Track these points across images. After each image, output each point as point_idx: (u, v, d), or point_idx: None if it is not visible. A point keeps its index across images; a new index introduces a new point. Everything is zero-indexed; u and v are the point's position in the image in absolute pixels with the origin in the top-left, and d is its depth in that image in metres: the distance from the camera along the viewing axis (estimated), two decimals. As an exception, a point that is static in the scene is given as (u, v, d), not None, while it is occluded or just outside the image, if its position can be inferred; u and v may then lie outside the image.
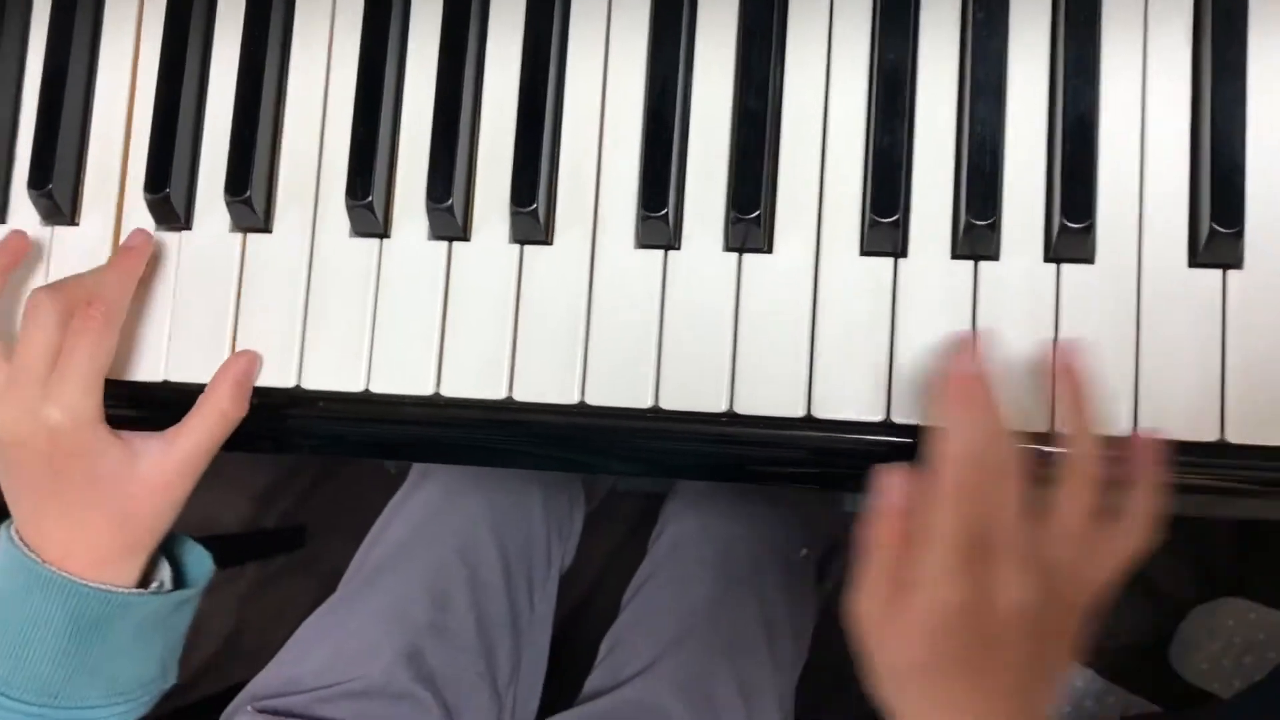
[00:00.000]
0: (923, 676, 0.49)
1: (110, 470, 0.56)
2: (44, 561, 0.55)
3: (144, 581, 0.59)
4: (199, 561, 0.62)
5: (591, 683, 0.85)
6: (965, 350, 0.53)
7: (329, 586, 1.48)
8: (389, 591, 0.82)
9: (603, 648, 0.88)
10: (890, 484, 0.51)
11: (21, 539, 0.56)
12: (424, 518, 0.85)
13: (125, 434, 0.57)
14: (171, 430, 0.57)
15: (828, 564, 0.97)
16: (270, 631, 1.45)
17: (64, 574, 0.55)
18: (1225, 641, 1.34)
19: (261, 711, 0.76)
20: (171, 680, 0.62)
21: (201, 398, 0.58)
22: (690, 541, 0.90)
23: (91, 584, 0.55)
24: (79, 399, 0.54)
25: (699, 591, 0.86)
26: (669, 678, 0.80)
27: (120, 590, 0.56)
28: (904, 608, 0.49)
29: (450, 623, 0.80)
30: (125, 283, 0.58)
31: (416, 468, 0.91)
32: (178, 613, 0.60)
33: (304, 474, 1.51)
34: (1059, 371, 0.53)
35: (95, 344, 0.55)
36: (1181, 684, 1.35)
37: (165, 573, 0.60)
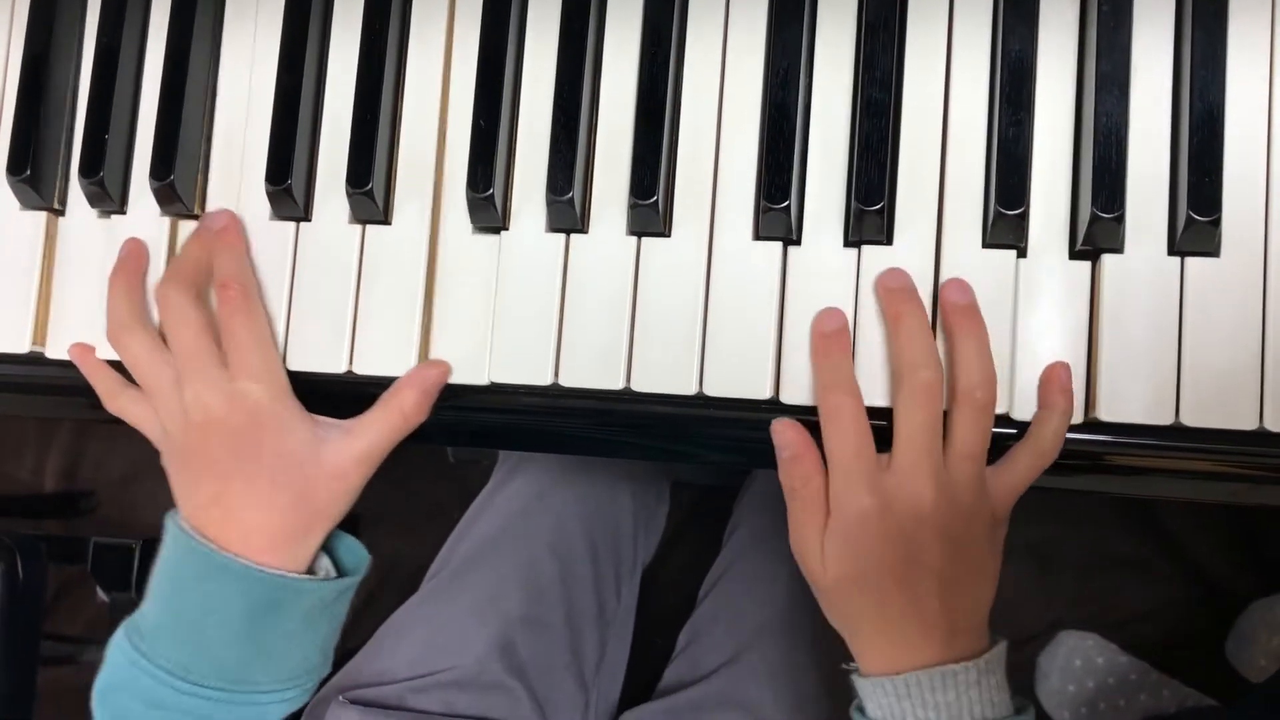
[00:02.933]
0: (859, 589, 0.55)
1: (299, 445, 0.57)
2: (220, 549, 0.56)
3: (309, 570, 0.59)
4: (351, 551, 0.63)
5: (671, 674, 0.86)
6: (830, 311, 0.56)
7: (384, 575, 1.50)
8: (481, 584, 0.82)
9: (681, 639, 0.89)
10: (787, 430, 0.55)
11: (193, 527, 0.57)
12: (514, 512, 0.86)
13: (311, 415, 0.58)
14: (352, 421, 0.58)
15: None
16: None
17: (240, 559, 0.56)
18: (1284, 636, 1.34)
19: (354, 703, 0.76)
20: (328, 667, 0.63)
21: (387, 395, 0.58)
22: (768, 535, 0.90)
23: (267, 569, 0.56)
24: (265, 371, 0.56)
25: (779, 585, 0.86)
26: (756, 670, 0.81)
27: (294, 576, 0.57)
28: (829, 531, 0.54)
29: (542, 615, 0.81)
30: (239, 260, 0.59)
31: (503, 463, 0.92)
32: (339, 600, 0.61)
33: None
34: (950, 307, 0.55)
35: (249, 318, 0.56)
36: (1238, 679, 1.34)
37: (326, 561, 0.60)
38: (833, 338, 0.55)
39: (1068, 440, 0.55)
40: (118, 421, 0.61)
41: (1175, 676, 1.35)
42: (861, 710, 0.57)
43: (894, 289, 0.55)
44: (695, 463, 0.63)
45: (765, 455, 0.57)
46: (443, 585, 0.84)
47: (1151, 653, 1.37)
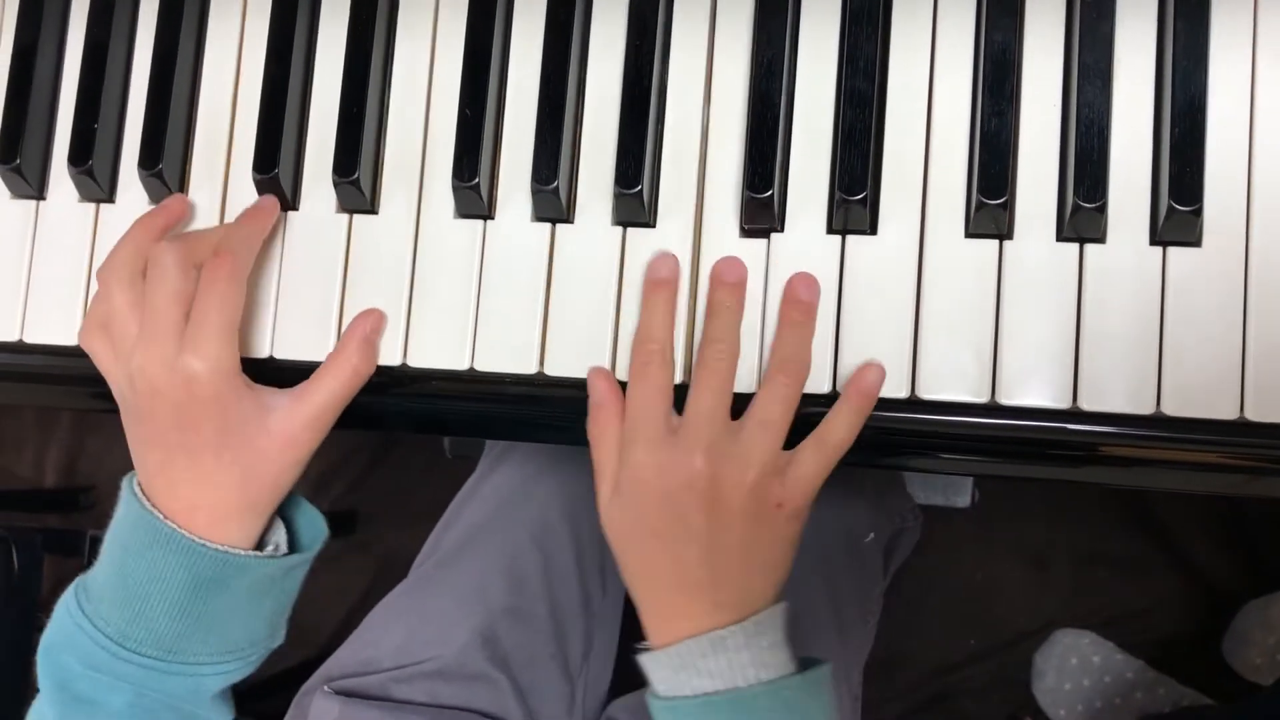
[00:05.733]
0: (630, 544, 0.57)
1: (242, 421, 0.56)
2: (166, 518, 0.56)
3: (261, 542, 0.59)
4: (311, 523, 0.62)
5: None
6: (663, 259, 0.58)
7: (383, 569, 1.49)
8: (465, 575, 0.82)
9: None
10: (599, 379, 0.57)
11: (144, 493, 0.57)
12: (499, 502, 0.86)
13: (257, 387, 0.58)
14: (301, 386, 0.58)
15: (890, 552, 0.97)
16: (327, 613, 1.47)
17: (185, 533, 0.56)
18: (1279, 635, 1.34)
19: (338, 693, 0.76)
20: (279, 640, 0.62)
21: (330, 354, 0.59)
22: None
23: (211, 545, 0.56)
24: (217, 348, 0.55)
25: None
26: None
27: (239, 552, 0.57)
28: (615, 483, 0.57)
29: (525, 606, 0.81)
30: (250, 239, 0.59)
31: (488, 454, 0.92)
32: (289, 575, 0.61)
33: (357, 460, 1.52)
34: (784, 299, 0.57)
35: (226, 293, 0.56)
36: (1234, 677, 1.34)
37: (280, 535, 0.60)
38: (661, 285, 0.57)
39: (1049, 429, 0.55)
40: (111, 411, 0.61)
41: (1171, 675, 1.35)
42: (652, 690, 0.57)
43: (723, 282, 0.57)
44: None
45: None
46: (428, 575, 0.84)
47: (1148, 651, 1.37)
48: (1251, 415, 0.53)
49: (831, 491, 0.89)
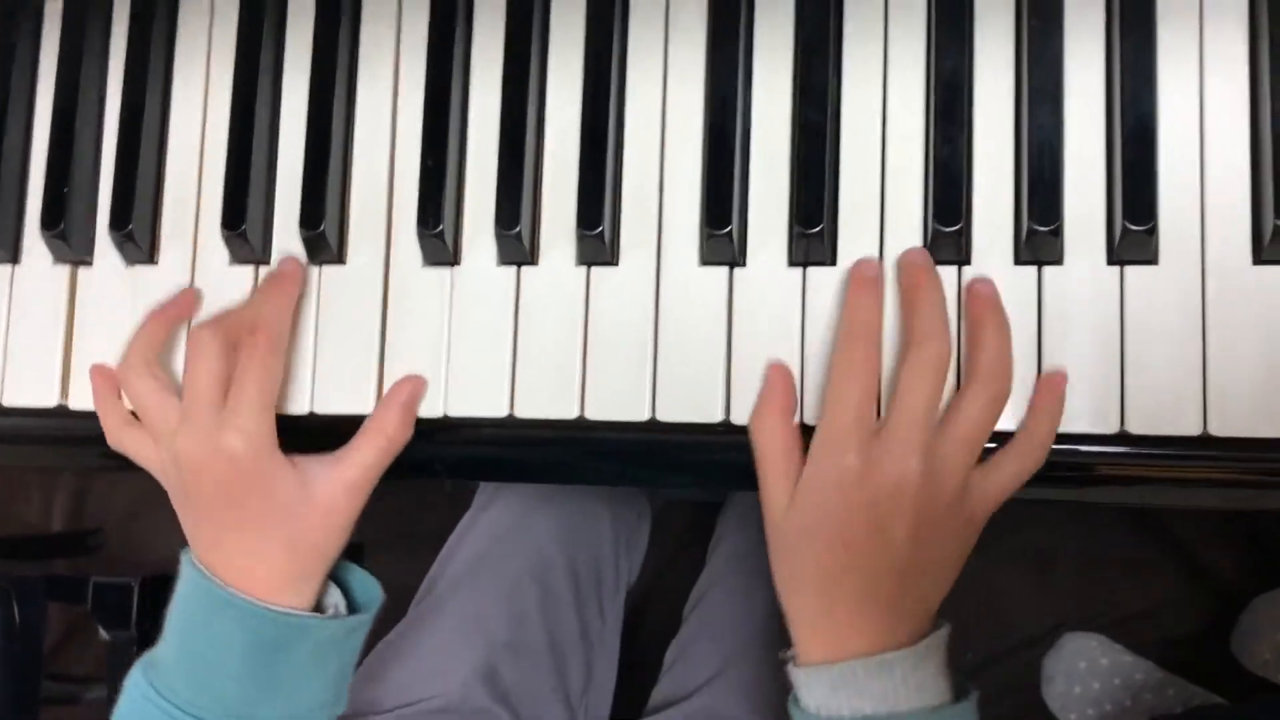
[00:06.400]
0: (813, 543, 0.53)
1: (285, 496, 0.57)
2: (224, 585, 0.57)
3: (318, 606, 0.60)
4: (365, 587, 0.63)
5: (659, 693, 0.87)
6: (869, 260, 0.56)
7: (391, 600, 1.50)
8: (463, 610, 0.83)
9: (668, 658, 0.89)
10: (778, 380, 0.56)
11: (202, 564, 0.58)
12: (495, 537, 0.86)
13: (296, 458, 0.59)
14: (339, 452, 0.59)
15: None
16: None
17: (245, 597, 0.56)
18: (1288, 630, 1.33)
19: (343, 733, 0.77)
20: (342, 707, 0.63)
21: (368, 420, 0.59)
22: (750, 552, 0.90)
23: (273, 607, 0.57)
24: (255, 425, 0.56)
25: (760, 601, 0.87)
26: (736, 686, 0.81)
27: (298, 614, 0.58)
28: (802, 480, 0.54)
29: (524, 640, 0.82)
30: (283, 309, 0.60)
31: (484, 488, 0.92)
32: (350, 638, 0.61)
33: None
34: (976, 298, 0.55)
35: (263, 370, 0.57)
36: (1244, 675, 1.34)
37: (337, 597, 0.61)
38: (867, 284, 0.55)
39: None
40: (130, 466, 0.62)
41: (1181, 674, 1.34)
42: (797, 703, 0.56)
43: (917, 262, 0.55)
44: (669, 487, 0.64)
45: (719, 477, 0.58)
46: (427, 611, 0.85)
47: (1156, 651, 1.36)
48: (1215, 430, 0.53)
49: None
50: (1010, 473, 0.54)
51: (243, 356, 0.57)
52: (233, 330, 0.58)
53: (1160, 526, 1.39)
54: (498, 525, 0.87)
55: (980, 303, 0.55)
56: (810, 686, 0.54)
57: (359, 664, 0.62)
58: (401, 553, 1.51)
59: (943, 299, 0.54)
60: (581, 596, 0.86)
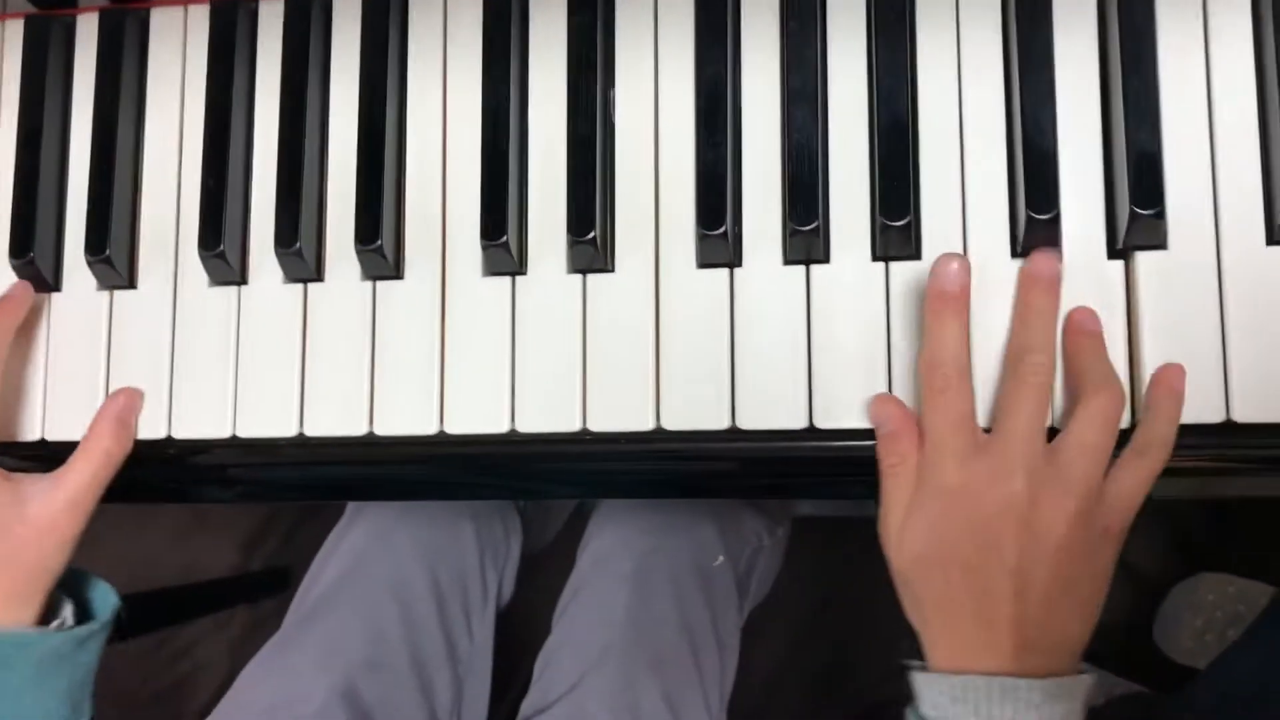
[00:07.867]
0: (928, 571, 0.52)
1: None
2: None
3: (45, 620, 0.60)
4: (104, 598, 0.63)
5: (528, 703, 0.86)
6: (947, 266, 0.53)
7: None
8: (323, 631, 0.83)
9: (536, 668, 0.89)
10: (887, 404, 0.54)
11: None
12: (356, 556, 0.86)
13: (16, 476, 0.59)
14: (57, 471, 0.59)
15: (750, 572, 0.95)
16: (258, 672, 1.47)
17: None
18: (1208, 617, 1.33)
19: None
20: (85, 717, 0.62)
21: (84, 437, 0.60)
22: (609, 556, 0.90)
23: None
24: None
25: (619, 606, 0.86)
26: (595, 694, 0.81)
27: (15, 630, 0.58)
28: (910, 506, 0.53)
29: (385, 658, 0.81)
30: (3, 330, 0.60)
31: (350, 508, 0.93)
32: (82, 649, 0.61)
33: (286, 516, 1.53)
34: (1076, 328, 0.54)
35: None
36: (1168, 663, 1.34)
37: (67, 610, 0.61)
38: (950, 300, 0.53)
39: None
40: None
41: (1103, 666, 1.34)
42: (916, 710, 0.53)
43: (1036, 275, 0.54)
44: (533, 497, 0.63)
45: (594, 484, 0.61)
46: (289, 634, 0.85)
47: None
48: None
49: (676, 519, 0.90)
50: (1131, 479, 0.52)
51: None
52: None
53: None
54: (358, 546, 0.87)
55: (1079, 332, 0.54)
56: (930, 693, 0.52)
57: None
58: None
59: (1053, 314, 0.54)
60: (446, 613, 0.86)
